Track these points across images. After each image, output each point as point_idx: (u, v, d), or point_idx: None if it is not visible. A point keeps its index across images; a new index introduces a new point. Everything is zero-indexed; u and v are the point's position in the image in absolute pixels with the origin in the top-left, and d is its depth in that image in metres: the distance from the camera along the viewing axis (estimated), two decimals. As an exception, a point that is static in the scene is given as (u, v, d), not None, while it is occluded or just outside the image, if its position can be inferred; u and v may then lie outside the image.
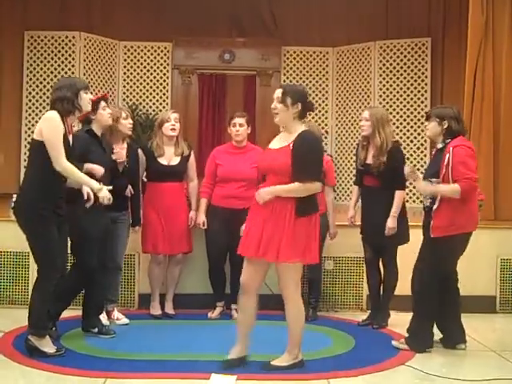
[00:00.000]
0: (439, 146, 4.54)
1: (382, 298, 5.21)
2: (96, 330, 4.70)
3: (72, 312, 4.80)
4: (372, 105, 8.76)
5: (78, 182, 4.19)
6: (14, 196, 6.32)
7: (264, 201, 3.82)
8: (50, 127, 4.04)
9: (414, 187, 8.31)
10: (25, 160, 8.89)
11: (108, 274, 4.94)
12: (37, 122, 8.74)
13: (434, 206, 4.38)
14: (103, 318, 4.97)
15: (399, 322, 4.96)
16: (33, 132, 8.43)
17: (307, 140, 3.89)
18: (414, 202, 8.42)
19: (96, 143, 4.65)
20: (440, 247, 4.36)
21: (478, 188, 4.48)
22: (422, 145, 8.77)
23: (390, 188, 5.01)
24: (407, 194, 8.39)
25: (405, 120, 8.91)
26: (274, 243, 3.81)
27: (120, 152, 4.87)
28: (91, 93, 4.38)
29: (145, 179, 5.48)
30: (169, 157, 5.35)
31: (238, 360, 3.98)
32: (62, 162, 4.00)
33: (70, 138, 4.19)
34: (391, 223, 5.00)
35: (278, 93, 3.92)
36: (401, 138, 8.71)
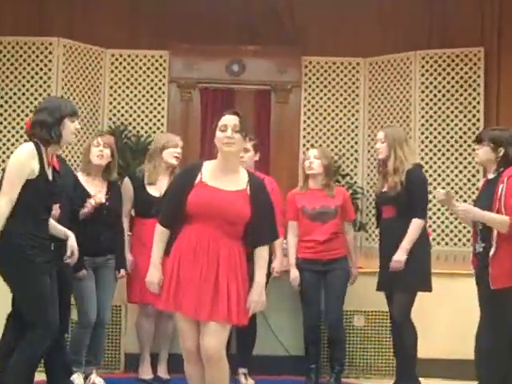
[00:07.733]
0: (490, 176, 4.61)
1: (398, 363, 5.20)
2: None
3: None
4: (412, 127, 8.84)
5: None
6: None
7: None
8: (15, 162, 4.09)
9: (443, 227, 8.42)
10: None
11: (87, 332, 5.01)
12: (5, 136, 8.91)
13: (491, 252, 4.38)
14: (80, 382, 4.97)
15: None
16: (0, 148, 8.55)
17: (264, 187, 4.07)
18: (439, 243, 8.57)
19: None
20: (504, 301, 4.33)
21: None
22: (473, 176, 8.80)
23: (406, 216, 5.04)
24: (436, 236, 8.46)
25: (452, 146, 8.93)
26: (240, 300, 3.86)
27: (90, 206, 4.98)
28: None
29: (133, 213, 5.53)
30: (160, 188, 5.36)
31: None
32: None
33: (50, 171, 4.19)
34: (398, 255, 5.00)
35: (235, 120, 3.91)
36: (447, 167, 8.79)
